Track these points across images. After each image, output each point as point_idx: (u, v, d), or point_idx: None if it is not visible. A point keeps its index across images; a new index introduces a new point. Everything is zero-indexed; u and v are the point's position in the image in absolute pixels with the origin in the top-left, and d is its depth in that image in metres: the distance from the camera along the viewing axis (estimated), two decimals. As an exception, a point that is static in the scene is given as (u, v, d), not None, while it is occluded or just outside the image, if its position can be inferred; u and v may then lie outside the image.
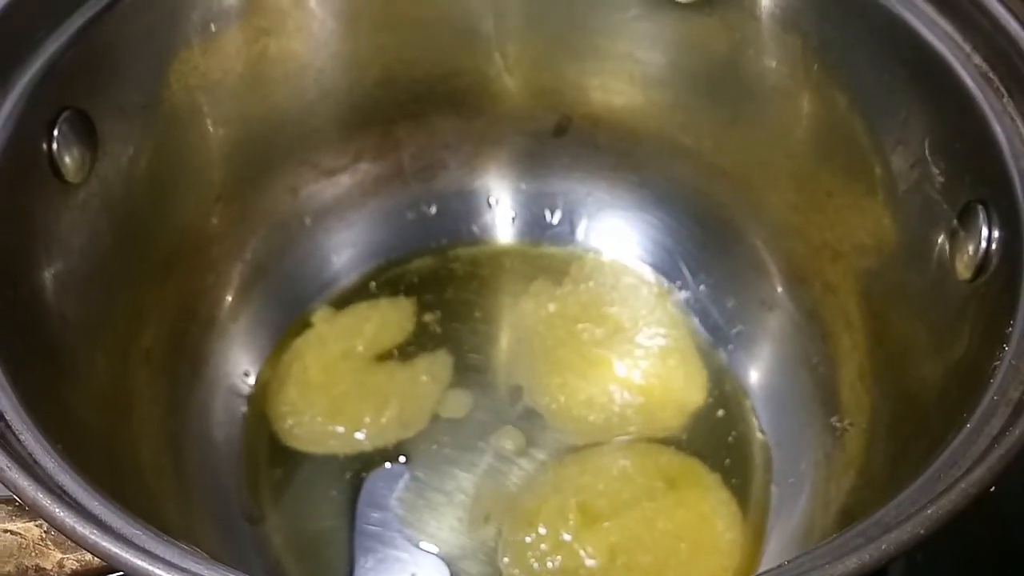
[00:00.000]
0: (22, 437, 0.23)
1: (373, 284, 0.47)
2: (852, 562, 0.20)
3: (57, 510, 0.20)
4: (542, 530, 0.38)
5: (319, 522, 0.40)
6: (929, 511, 0.21)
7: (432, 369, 0.44)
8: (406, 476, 0.41)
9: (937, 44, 0.34)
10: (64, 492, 0.22)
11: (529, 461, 0.41)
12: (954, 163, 0.34)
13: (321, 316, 0.45)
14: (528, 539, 0.38)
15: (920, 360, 0.35)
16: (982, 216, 0.31)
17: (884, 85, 0.37)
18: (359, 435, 0.42)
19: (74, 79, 0.34)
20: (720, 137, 0.44)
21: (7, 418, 0.24)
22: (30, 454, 0.23)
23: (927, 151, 0.35)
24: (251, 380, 0.43)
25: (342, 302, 0.46)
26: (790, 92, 0.41)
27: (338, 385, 0.43)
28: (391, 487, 0.40)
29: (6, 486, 0.21)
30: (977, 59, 0.33)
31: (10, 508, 0.23)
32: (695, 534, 0.39)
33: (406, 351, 0.44)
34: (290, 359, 0.44)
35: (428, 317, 0.45)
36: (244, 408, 0.43)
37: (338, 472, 0.41)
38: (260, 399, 0.43)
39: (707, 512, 0.39)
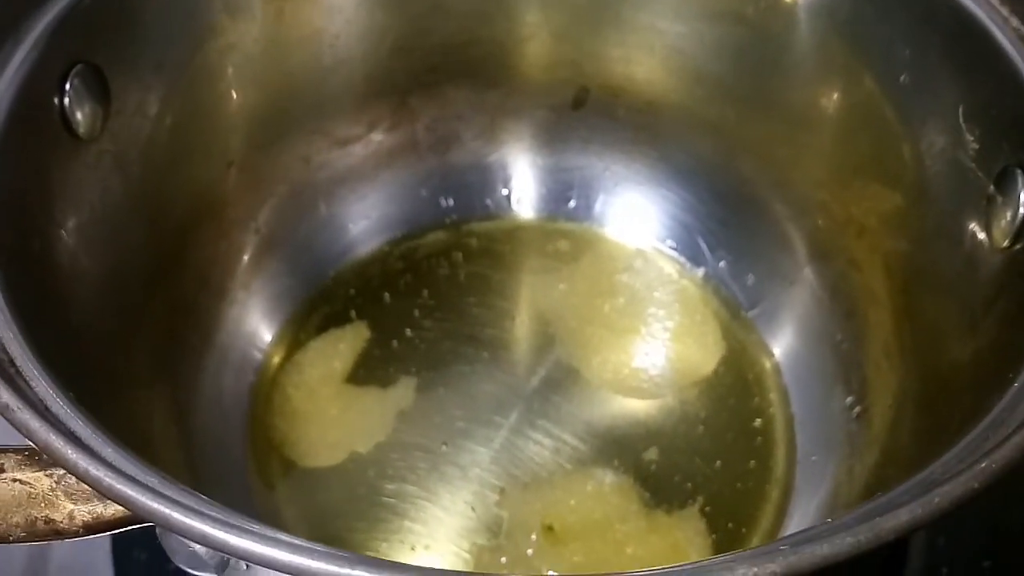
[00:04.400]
0: (33, 384, 0.22)
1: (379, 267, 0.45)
2: (904, 515, 0.19)
3: (70, 451, 0.19)
4: (504, 541, 0.37)
5: (331, 492, 0.39)
6: (983, 464, 0.20)
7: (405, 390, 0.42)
8: (420, 449, 0.40)
9: (974, 8, 0.33)
10: (76, 437, 0.21)
11: (545, 436, 0.41)
12: (991, 129, 0.33)
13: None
14: (489, 546, 0.37)
15: (951, 336, 0.34)
16: (1021, 179, 0.31)
17: (916, 55, 0.36)
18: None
19: (88, 32, 0.33)
20: (743, 111, 0.43)
21: (18, 364, 0.23)
22: (41, 400, 0.22)
23: (961, 119, 0.34)
24: (262, 350, 0.42)
25: (354, 273, 0.45)
26: (817, 64, 0.40)
27: (327, 410, 0.41)
28: (405, 459, 0.40)
29: (16, 428, 0.21)
30: (1015, 22, 0.33)
31: (19, 457, 0.22)
32: (665, 563, 0.37)
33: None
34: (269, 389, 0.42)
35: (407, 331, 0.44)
36: (253, 379, 0.42)
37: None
38: (267, 378, 0.42)
39: (680, 541, 0.38)
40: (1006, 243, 0.31)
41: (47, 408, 0.22)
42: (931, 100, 0.36)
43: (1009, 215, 0.31)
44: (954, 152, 0.34)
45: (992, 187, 0.32)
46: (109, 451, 0.21)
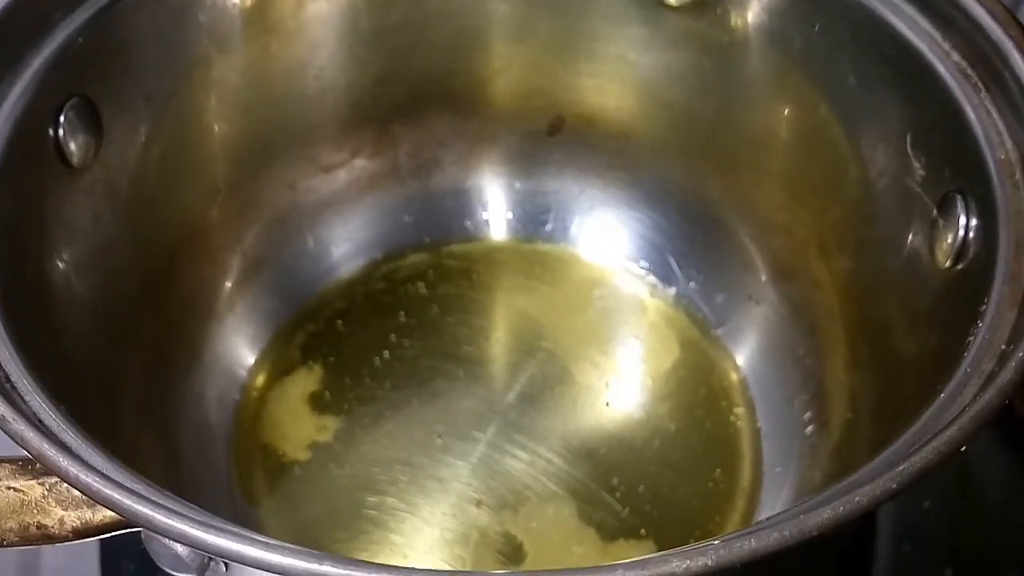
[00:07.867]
0: (27, 398, 0.24)
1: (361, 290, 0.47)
2: (827, 513, 0.20)
3: (62, 459, 0.21)
4: (471, 554, 0.39)
5: (313, 506, 0.41)
6: (901, 467, 0.21)
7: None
8: (401, 463, 0.42)
9: (918, 42, 0.35)
10: (67, 447, 0.22)
11: (522, 450, 0.42)
12: (934, 156, 0.35)
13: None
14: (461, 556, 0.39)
15: (900, 347, 0.36)
16: (960, 205, 0.33)
17: (866, 84, 0.38)
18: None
19: (83, 67, 0.35)
20: (709, 137, 0.45)
21: (13, 380, 0.24)
22: (35, 413, 0.24)
23: (908, 146, 0.36)
24: (246, 369, 0.44)
25: (337, 293, 0.47)
26: (776, 93, 0.42)
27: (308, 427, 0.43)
28: (386, 473, 0.41)
29: (12, 438, 0.22)
30: (956, 56, 0.34)
31: (13, 467, 0.24)
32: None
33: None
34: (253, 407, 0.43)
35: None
36: (238, 397, 0.43)
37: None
38: (251, 397, 0.44)
39: (646, 552, 0.39)
40: (947, 264, 0.33)
41: (40, 421, 0.23)
42: (881, 127, 0.37)
43: (950, 238, 0.33)
44: (902, 177, 0.36)
45: (935, 211, 0.34)
46: (97, 459, 0.22)
